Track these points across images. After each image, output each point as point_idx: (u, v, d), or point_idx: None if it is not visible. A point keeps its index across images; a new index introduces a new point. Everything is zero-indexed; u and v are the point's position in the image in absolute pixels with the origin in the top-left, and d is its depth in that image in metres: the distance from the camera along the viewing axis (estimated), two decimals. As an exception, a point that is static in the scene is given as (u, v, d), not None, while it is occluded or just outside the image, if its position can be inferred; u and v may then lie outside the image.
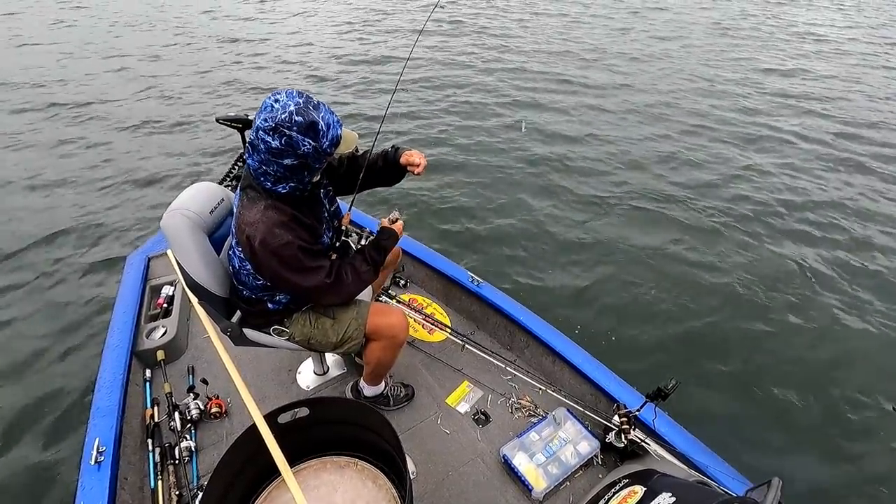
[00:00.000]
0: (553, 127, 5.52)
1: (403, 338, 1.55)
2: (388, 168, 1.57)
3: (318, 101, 1.20)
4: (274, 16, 10.52)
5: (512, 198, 4.14)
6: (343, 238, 1.53)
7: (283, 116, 1.13)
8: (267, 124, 1.14)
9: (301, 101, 1.17)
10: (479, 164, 4.66)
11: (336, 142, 1.22)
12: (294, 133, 1.14)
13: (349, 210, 1.57)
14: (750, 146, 5.29)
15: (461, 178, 4.42)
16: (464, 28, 9.68)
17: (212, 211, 1.43)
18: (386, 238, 1.52)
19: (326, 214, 1.44)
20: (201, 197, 1.42)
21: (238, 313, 1.49)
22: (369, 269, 1.45)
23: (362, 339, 1.52)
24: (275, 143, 1.15)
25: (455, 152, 4.86)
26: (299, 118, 1.13)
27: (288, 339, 1.52)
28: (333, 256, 1.45)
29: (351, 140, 1.27)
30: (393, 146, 1.59)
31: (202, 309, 1.59)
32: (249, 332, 1.54)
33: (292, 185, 1.25)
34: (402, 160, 1.55)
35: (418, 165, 1.53)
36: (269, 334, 1.52)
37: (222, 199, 1.49)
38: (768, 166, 4.84)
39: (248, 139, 1.24)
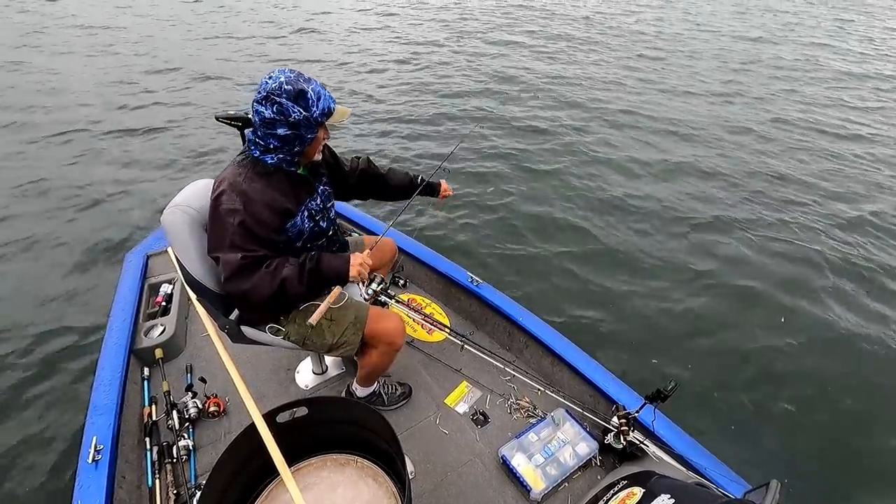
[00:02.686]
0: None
1: (400, 343, 1.56)
2: (412, 190, 1.78)
3: (308, 76, 1.24)
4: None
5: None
6: (343, 237, 1.54)
7: (273, 86, 1.18)
8: (259, 95, 1.20)
9: (292, 74, 1.21)
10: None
11: (327, 112, 1.26)
12: (284, 100, 1.18)
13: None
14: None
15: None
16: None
17: None
18: (334, 261, 1.33)
19: (318, 206, 1.44)
20: (201, 193, 1.42)
21: (236, 311, 1.49)
22: (293, 278, 1.26)
23: (358, 344, 1.52)
24: (267, 113, 1.19)
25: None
26: (289, 87, 1.18)
27: (284, 338, 1.52)
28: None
29: (342, 114, 1.30)
30: (420, 177, 1.81)
31: (201, 306, 1.58)
32: (247, 330, 1.53)
33: (280, 156, 1.27)
34: (442, 193, 1.90)
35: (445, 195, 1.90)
36: (266, 332, 1.51)
37: (222, 196, 1.49)
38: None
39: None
